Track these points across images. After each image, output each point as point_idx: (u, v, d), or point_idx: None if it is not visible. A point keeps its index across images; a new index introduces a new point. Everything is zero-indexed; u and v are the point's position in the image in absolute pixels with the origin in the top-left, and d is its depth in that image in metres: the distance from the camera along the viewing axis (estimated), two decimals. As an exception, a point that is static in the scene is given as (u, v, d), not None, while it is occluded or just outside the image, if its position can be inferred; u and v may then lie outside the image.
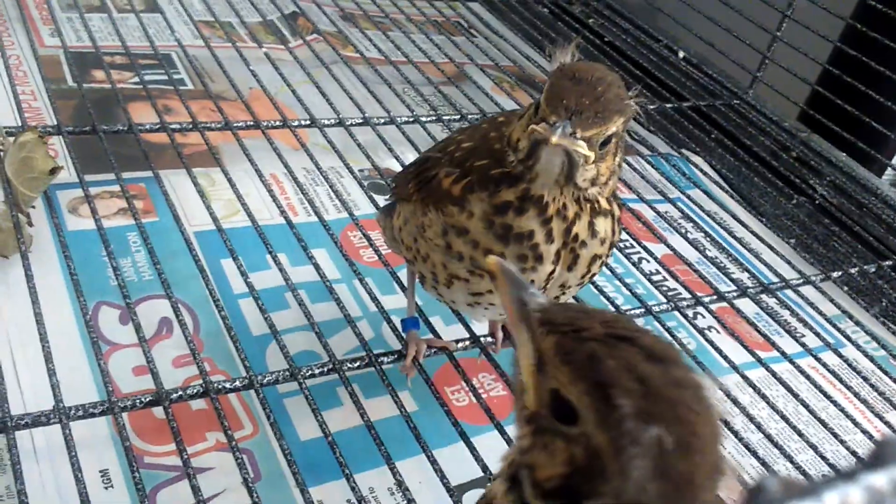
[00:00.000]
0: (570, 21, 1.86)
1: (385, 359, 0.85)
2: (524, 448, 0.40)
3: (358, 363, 0.84)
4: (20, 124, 1.06)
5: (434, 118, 1.30)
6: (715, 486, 0.37)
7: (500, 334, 0.91)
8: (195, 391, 0.77)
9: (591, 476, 0.36)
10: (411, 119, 1.27)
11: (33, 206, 0.99)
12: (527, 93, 1.52)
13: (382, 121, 1.24)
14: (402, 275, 0.93)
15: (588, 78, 0.63)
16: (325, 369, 0.82)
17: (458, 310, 0.89)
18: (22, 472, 0.66)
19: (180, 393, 0.76)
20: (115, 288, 0.93)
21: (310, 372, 0.81)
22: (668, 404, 0.35)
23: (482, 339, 0.90)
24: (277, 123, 1.18)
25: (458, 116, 1.32)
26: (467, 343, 0.90)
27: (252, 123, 1.16)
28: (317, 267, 0.92)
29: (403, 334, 0.87)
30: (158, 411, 0.79)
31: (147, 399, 0.75)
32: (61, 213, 1.04)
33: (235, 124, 1.14)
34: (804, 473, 0.88)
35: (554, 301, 0.44)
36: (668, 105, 1.54)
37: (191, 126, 1.12)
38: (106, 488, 0.76)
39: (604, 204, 0.70)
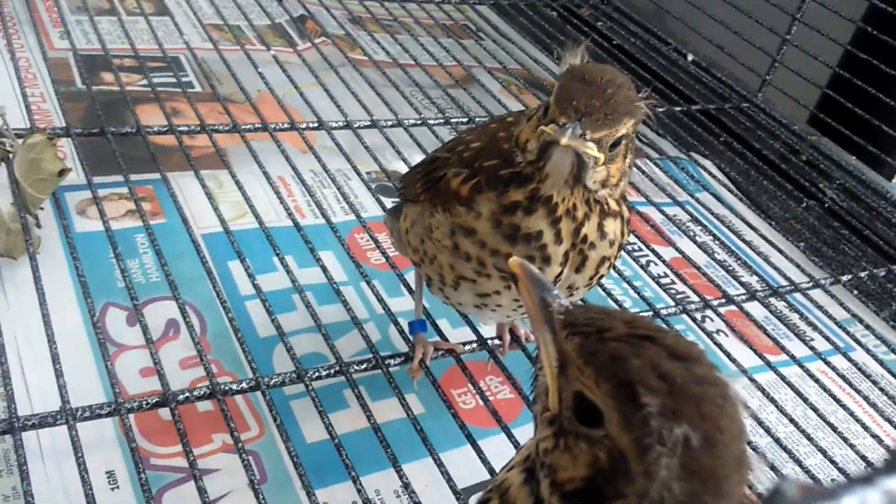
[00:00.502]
0: (579, 24, 1.85)
1: (392, 361, 0.85)
2: (545, 449, 0.39)
3: (365, 365, 0.83)
4: (29, 126, 1.06)
5: (442, 121, 1.30)
6: (741, 479, 0.36)
7: (507, 337, 0.91)
8: (202, 393, 0.77)
9: (615, 478, 0.36)
10: (419, 122, 1.27)
11: (41, 208, 1.00)
12: (535, 96, 1.51)
13: (390, 123, 1.24)
14: (410, 277, 0.93)
15: (598, 80, 0.62)
16: (332, 371, 0.82)
17: (465, 312, 0.89)
18: (28, 472, 0.66)
19: (187, 394, 0.76)
20: (122, 289, 0.93)
21: (316, 374, 0.81)
22: (692, 401, 0.35)
23: (489, 341, 0.90)
24: (285, 126, 1.18)
25: (466, 119, 1.31)
26: (474, 346, 0.89)
27: (260, 126, 1.16)
28: (324, 269, 0.92)
29: (410, 337, 0.87)
30: (165, 412, 0.79)
31: (154, 400, 0.75)
32: (69, 214, 1.05)
33: (243, 126, 1.14)
34: (813, 477, 0.88)
35: (576, 302, 0.43)
36: (677, 108, 1.54)
37: (199, 128, 1.13)
38: (112, 489, 0.76)
39: (613, 205, 0.69)
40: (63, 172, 0.97)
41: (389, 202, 1.10)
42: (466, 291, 0.74)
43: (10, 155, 0.97)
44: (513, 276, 0.42)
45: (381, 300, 0.90)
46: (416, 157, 1.14)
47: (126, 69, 1.35)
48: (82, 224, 1.04)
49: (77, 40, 1.39)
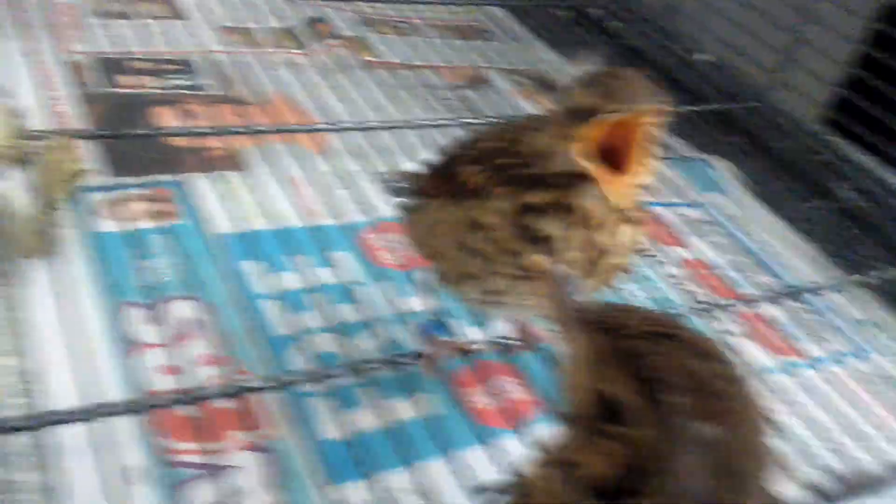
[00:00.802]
0: (590, 25, 1.85)
1: (406, 360, 0.85)
2: (566, 447, 0.40)
3: (379, 364, 0.84)
4: (48, 129, 1.07)
5: (454, 122, 1.30)
6: (763, 477, 0.37)
7: (521, 336, 0.91)
8: (219, 391, 0.78)
9: (636, 475, 0.36)
10: (431, 123, 1.28)
11: (60, 209, 1.01)
12: (547, 97, 1.52)
13: (402, 124, 1.25)
14: (423, 277, 0.94)
15: (625, 75, 0.62)
16: (347, 370, 0.83)
17: (474, 309, 0.89)
18: (49, 469, 0.67)
19: (205, 392, 0.77)
20: (141, 289, 0.94)
21: (331, 373, 0.82)
22: (714, 398, 0.35)
23: (503, 340, 0.90)
24: (298, 127, 1.19)
25: (479, 120, 1.32)
26: (488, 345, 0.90)
27: (273, 127, 1.17)
28: (338, 269, 0.92)
29: (424, 336, 0.88)
30: (184, 410, 0.80)
31: (172, 398, 0.76)
32: (88, 215, 1.06)
33: (257, 128, 1.15)
34: (832, 478, 0.87)
35: (596, 300, 0.44)
36: (690, 108, 1.53)
37: (213, 130, 1.14)
38: (132, 485, 0.77)
39: (630, 212, 0.69)
40: (82, 174, 0.98)
41: (402, 202, 1.10)
42: (474, 289, 0.74)
43: (30, 157, 0.99)
44: (533, 273, 0.42)
45: (394, 300, 0.90)
46: (429, 158, 1.14)
47: (142, 72, 1.36)
48: (101, 225, 1.05)
49: (94, 43, 1.40)
